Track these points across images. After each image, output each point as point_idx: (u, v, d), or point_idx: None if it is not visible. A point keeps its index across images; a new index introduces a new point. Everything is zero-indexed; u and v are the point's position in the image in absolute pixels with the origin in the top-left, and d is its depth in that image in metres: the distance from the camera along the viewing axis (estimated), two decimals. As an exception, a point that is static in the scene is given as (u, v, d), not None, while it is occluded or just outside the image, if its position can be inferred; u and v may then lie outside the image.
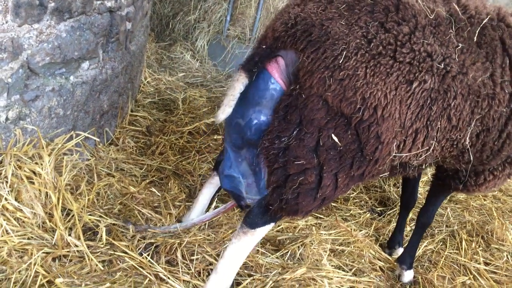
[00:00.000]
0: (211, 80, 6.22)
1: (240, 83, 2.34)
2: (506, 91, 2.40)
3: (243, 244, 2.50)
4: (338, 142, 2.22)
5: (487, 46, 2.37)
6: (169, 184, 3.64)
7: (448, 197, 4.56)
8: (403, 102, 2.20)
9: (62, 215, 2.83)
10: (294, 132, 2.25)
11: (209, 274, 2.72)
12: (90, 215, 2.96)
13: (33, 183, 2.79)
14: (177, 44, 6.83)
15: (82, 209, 2.94)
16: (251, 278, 2.74)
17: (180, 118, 4.78)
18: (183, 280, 2.65)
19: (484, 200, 4.64)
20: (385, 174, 2.50)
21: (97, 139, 3.70)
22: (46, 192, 2.81)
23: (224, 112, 2.34)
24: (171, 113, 4.93)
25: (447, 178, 3.00)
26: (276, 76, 2.31)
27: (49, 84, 3.06)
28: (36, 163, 2.87)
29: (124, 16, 3.78)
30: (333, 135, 2.21)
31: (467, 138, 2.42)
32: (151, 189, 3.51)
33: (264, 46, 2.38)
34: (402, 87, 2.19)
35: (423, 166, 2.66)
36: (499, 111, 2.43)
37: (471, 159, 2.57)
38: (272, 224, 2.52)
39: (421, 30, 2.23)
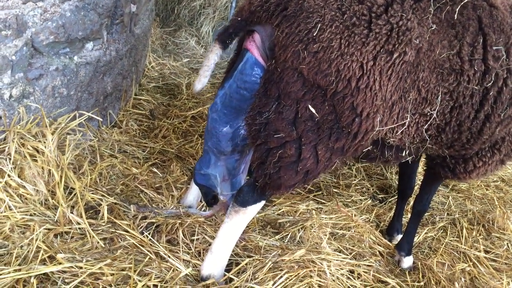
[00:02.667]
0: (215, 66, 6.19)
1: (214, 54, 2.40)
2: (476, 68, 2.41)
3: (236, 223, 2.53)
4: (315, 113, 2.25)
5: (460, 26, 2.38)
6: (171, 167, 3.66)
7: (450, 186, 4.57)
8: (383, 73, 2.21)
9: (65, 193, 2.85)
10: (273, 106, 2.29)
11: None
12: (92, 193, 2.98)
13: (36, 160, 2.81)
14: (182, 30, 6.82)
15: (84, 187, 2.96)
16: (251, 258, 2.75)
17: (183, 103, 4.78)
18: (183, 260, 2.67)
19: (487, 189, 4.63)
20: (368, 148, 2.51)
21: (100, 119, 3.71)
22: (49, 170, 2.83)
23: (200, 82, 2.44)
24: (175, 97, 4.93)
25: (437, 166, 3.01)
26: (256, 54, 2.34)
27: (53, 64, 3.07)
28: (39, 141, 2.88)
29: (129, -2, 3.78)
30: (310, 106, 2.24)
31: (436, 109, 2.43)
32: (153, 170, 3.53)
33: (239, 19, 2.39)
34: (381, 57, 2.19)
35: (403, 153, 2.66)
36: (470, 88, 2.44)
37: (448, 136, 2.58)
38: (263, 202, 2.55)
39: (399, 3, 2.24)
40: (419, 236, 3.62)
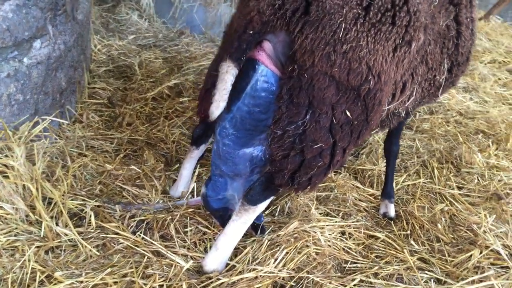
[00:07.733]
0: (163, 39, 5.99)
1: (230, 74, 2.24)
2: (470, 27, 2.53)
3: (245, 221, 2.51)
4: (350, 116, 2.21)
5: None
6: (144, 156, 3.56)
7: (414, 129, 4.71)
8: (399, 63, 2.20)
9: (44, 205, 2.73)
10: (308, 116, 2.20)
11: (204, 243, 2.74)
12: (72, 200, 2.87)
13: (8, 177, 2.67)
14: (121, 5, 6.47)
15: (63, 195, 2.84)
16: (248, 241, 2.76)
17: (140, 84, 4.62)
18: (181, 254, 2.64)
19: (448, 126, 4.80)
20: (376, 130, 2.57)
21: (60, 120, 3.54)
22: (23, 185, 2.69)
23: (219, 107, 2.27)
24: (130, 80, 4.75)
25: None
26: (268, 64, 2.23)
27: (4, 70, 2.87)
28: (7, 156, 2.73)
29: (68, -15, 3.54)
30: (347, 111, 2.19)
31: (442, 75, 2.53)
32: (127, 164, 3.42)
33: (251, 32, 2.23)
34: (401, 48, 2.18)
35: (403, 113, 2.74)
36: (466, 46, 2.58)
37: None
38: (273, 197, 2.54)
39: None
40: (396, 184, 3.74)
